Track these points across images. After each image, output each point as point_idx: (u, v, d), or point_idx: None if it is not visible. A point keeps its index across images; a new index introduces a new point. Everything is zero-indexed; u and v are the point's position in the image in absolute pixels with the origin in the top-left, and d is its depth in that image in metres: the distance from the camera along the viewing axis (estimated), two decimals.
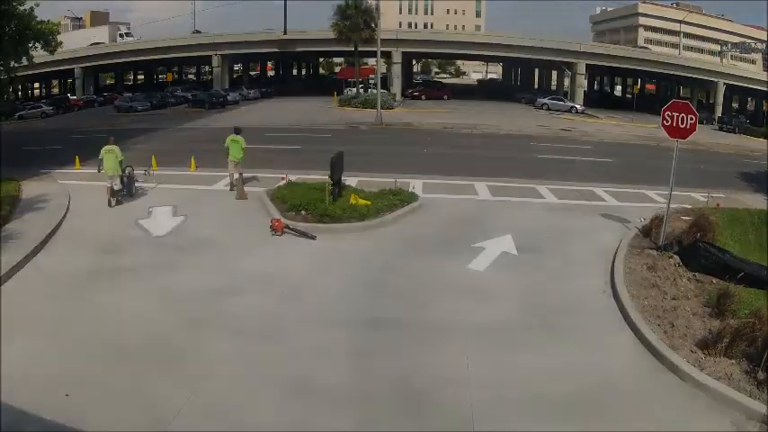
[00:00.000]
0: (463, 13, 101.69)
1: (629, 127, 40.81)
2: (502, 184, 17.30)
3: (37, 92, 71.27)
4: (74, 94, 56.53)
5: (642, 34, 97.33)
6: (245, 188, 15.37)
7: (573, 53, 51.91)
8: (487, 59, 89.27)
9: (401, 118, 38.28)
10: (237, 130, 16.09)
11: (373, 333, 8.06)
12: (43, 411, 6.05)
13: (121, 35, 67.48)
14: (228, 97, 48.13)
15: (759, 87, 53.78)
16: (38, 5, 19.75)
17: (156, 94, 51.58)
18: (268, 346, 7.68)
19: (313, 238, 11.82)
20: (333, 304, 8.96)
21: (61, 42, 22.49)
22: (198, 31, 67.34)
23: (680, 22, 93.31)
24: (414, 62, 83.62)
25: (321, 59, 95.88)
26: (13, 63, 19.87)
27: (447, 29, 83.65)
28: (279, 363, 7.25)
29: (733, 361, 7.05)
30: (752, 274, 9.44)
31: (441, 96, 55.11)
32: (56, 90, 73.42)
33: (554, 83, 70.86)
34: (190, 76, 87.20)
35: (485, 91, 73.29)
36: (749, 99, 67.93)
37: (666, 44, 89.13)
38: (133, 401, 6.35)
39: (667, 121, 11.18)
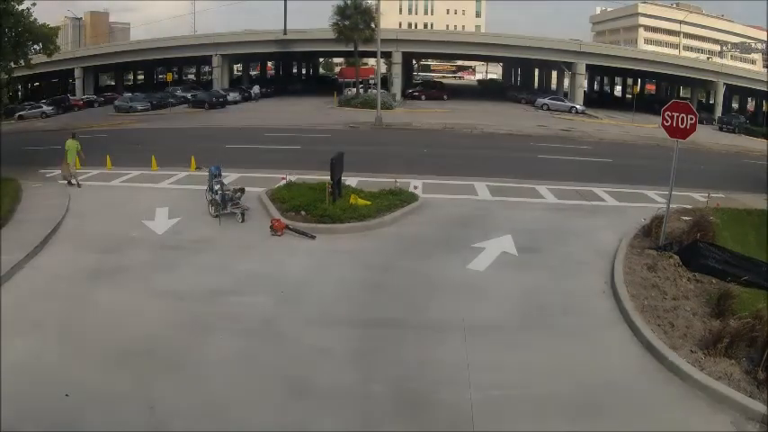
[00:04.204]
0: (463, 14, 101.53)
1: (628, 127, 40.78)
2: (502, 184, 17.28)
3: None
4: (74, 94, 56.48)
5: (642, 34, 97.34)
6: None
7: (573, 53, 51.85)
8: (487, 59, 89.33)
9: (401, 118, 38.26)
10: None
11: (373, 333, 8.06)
12: (43, 412, 6.05)
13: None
14: (228, 97, 48.09)
15: (759, 87, 53.78)
16: (34, 5, 19.79)
17: (156, 94, 51.48)
18: (268, 345, 7.68)
19: (313, 238, 11.82)
20: (333, 304, 8.96)
21: (59, 45, 22.52)
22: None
23: (680, 22, 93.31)
24: (414, 62, 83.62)
25: (321, 59, 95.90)
26: (11, 64, 19.89)
27: (447, 29, 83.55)
28: (279, 362, 7.26)
29: (733, 361, 7.06)
30: (752, 274, 9.45)
31: (440, 96, 55.11)
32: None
33: (554, 83, 70.79)
34: (190, 76, 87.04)
35: (485, 91, 73.25)
36: (749, 99, 67.94)
37: (666, 44, 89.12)
38: (133, 401, 6.36)
39: (667, 122, 11.16)
